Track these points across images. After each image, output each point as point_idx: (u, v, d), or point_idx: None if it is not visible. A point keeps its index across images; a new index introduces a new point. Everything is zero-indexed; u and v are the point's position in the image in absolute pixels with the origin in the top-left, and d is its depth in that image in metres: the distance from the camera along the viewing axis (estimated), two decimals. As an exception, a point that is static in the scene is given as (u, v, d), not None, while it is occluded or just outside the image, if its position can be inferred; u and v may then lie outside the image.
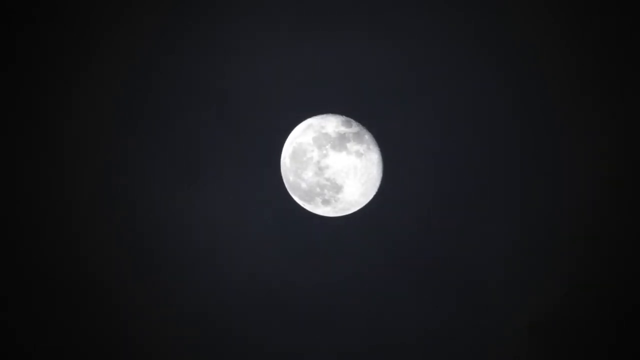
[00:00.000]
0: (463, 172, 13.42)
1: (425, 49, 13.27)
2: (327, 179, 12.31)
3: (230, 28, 13.37)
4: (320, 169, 12.28)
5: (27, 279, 13.44)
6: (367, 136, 12.78)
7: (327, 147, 12.32)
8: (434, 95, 13.35)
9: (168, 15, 13.39)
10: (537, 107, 13.30)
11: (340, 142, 12.41)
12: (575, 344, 13.29)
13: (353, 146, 12.47)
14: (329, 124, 12.63)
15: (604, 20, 13.10)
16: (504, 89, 13.29)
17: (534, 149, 13.36)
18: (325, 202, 12.63)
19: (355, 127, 12.71)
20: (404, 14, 13.28)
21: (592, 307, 13.29)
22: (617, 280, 13.22)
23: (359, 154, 12.48)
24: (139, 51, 13.44)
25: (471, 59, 13.27)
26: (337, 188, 12.39)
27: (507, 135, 13.38)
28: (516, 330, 13.43)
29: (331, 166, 12.28)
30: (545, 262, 13.39)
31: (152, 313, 13.56)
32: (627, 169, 13.17)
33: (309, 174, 12.39)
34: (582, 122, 13.23)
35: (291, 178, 12.70)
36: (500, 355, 13.43)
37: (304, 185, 12.53)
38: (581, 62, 13.18)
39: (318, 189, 12.43)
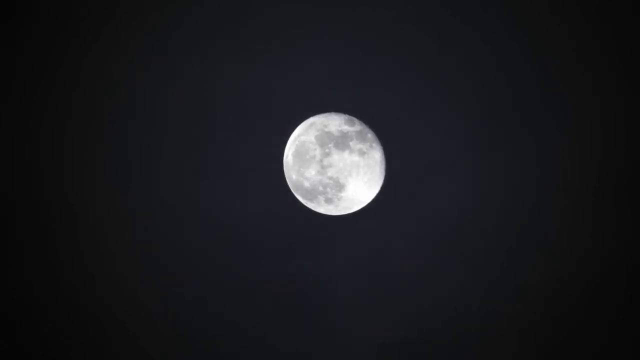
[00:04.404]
0: (464, 171, 13.45)
1: (428, 47, 13.31)
2: (330, 178, 12.31)
3: (233, 26, 13.37)
4: (323, 168, 12.28)
5: (28, 278, 13.40)
6: (370, 135, 12.78)
7: (330, 145, 12.32)
8: (436, 95, 13.38)
9: (170, 14, 13.39)
10: (538, 105, 13.35)
11: (343, 140, 12.41)
12: None
13: (356, 145, 12.47)
14: (332, 122, 12.64)
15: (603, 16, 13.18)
16: (506, 86, 13.33)
17: (535, 147, 13.41)
18: (328, 200, 12.62)
19: (358, 126, 12.72)
20: (406, 14, 13.31)
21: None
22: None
23: (361, 153, 12.49)
24: (139, 51, 13.43)
25: (472, 57, 13.31)
26: (340, 186, 12.39)
27: (508, 134, 13.42)
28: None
29: (334, 165, 12.28)
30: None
31: (153, 309, 13.54)
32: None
33: (311, 173, 12.38)
34: (581, 126, 13.30)
35: (294, 176, 12.69)
36: None
37: (306, 183, 12.52)
38: (582, 55, 13.24)
39: (321, 188, 12.43)
